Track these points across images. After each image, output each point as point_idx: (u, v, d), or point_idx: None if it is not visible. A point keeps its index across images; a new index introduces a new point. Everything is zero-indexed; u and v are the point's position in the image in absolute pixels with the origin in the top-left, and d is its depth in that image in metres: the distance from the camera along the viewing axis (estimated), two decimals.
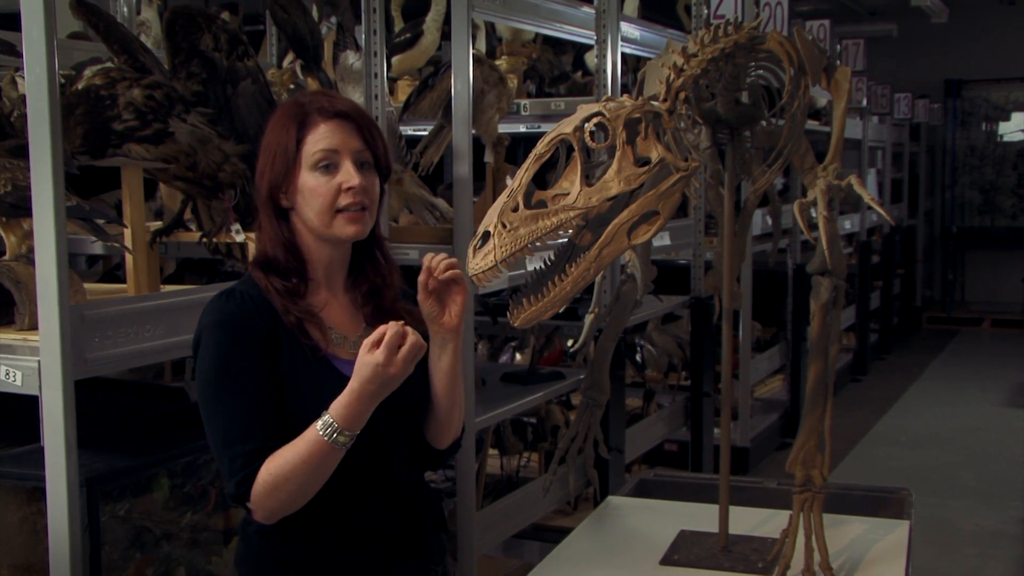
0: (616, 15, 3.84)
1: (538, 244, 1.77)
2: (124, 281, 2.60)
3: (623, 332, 3.61)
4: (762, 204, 4.80)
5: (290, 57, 4.32)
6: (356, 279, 1.87)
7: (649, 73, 2.77)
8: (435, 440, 1.90)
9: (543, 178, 1.89)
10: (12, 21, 2.18)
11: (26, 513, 2.37)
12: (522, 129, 4.43)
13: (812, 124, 6.36)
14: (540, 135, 1.87)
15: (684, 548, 2.56)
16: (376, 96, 3.04)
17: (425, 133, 3.59)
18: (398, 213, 3.42)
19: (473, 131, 3.09)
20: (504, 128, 3.75)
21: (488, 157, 3.56)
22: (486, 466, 3.93)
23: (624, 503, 2.96)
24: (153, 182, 2.91)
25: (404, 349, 1.61)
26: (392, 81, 4.32)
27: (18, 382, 2.03)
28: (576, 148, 1.83)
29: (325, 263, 1.82)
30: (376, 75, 3.05)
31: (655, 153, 1.89)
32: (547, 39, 5.26)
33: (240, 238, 2.50)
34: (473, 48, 3.04)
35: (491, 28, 5.06)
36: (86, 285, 2.34)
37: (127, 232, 2.44)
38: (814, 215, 2.35)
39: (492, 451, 4.04)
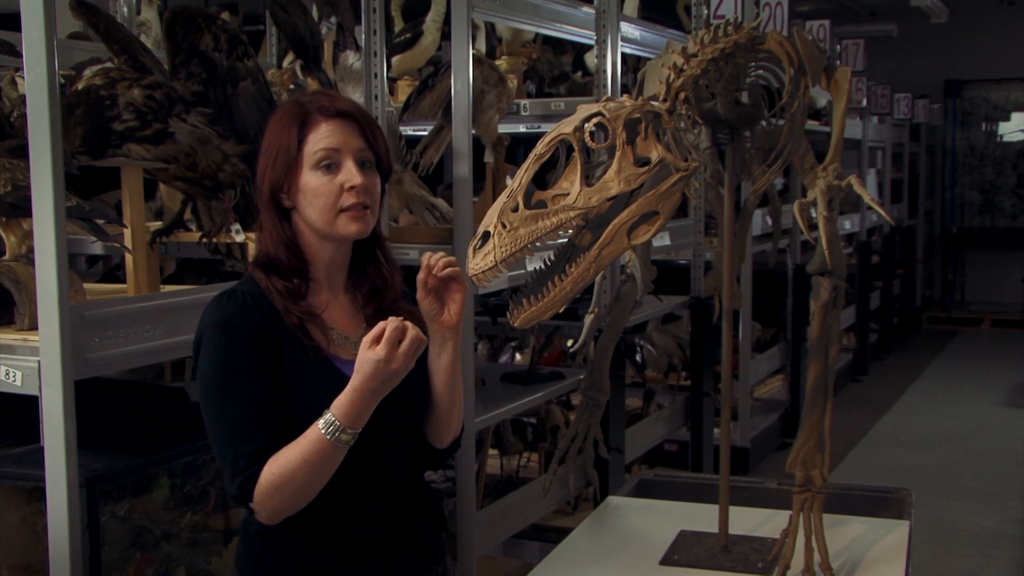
0: (616, 15, 3.84)
1: (538, 244, 1.77)
2: (124, 281, 2.60)
3: (623, 332, 3.61)
4: (762, 204, 4.81)
5: (290, 57, 4.32)
6: (357, 279, 1.87)
7: (649, 73, 2.77)
8: (435, 439, 1.90)
9: (543, 178, 1.90)
10: (12, 21, 2.18)
11: (26, 513, 2.37)
12: (522, 129, 4.43)
13: (812, 124, 6.37)
14: (540, 135, 1.87)
15: (684, 548, 2.56)
16: (376, 96, 3.04)
17: (425, 133, 3.58)
18: (398, 213, 3.42)
19: (473, 131, 3.09)
20: (504, 128, 3.75)
21: (488, 157, 3.56)
22: (486, 466, 3.93)
23: (624, 503, 2.96)
24: (153, 182, 2.91)
25: (405, 344, 1.61)
26: (392, 81, 4.32)
27: (18, 382, 2.03)
28: (576, 148, 1.83)
29: (326, 263, 1.82)
30: (376, 75, 3.05)
31: (655, 153, 1.89)
32: (547, 39, 5.26)
33: (240, 238, 2.50)
34: (473, 48, 3.04)
35: (491, 28, 5.06)
36: (86, 285, 2.34)
37: (127, 232, 2.44)
38: (814, 215, 2.35)
39: (492, 451, 4.04)
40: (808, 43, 2.41)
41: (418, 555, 1.88)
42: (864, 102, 8.59)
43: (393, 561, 1.84)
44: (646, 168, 1.87)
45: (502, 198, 1.78)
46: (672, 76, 2.11)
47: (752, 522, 2.69)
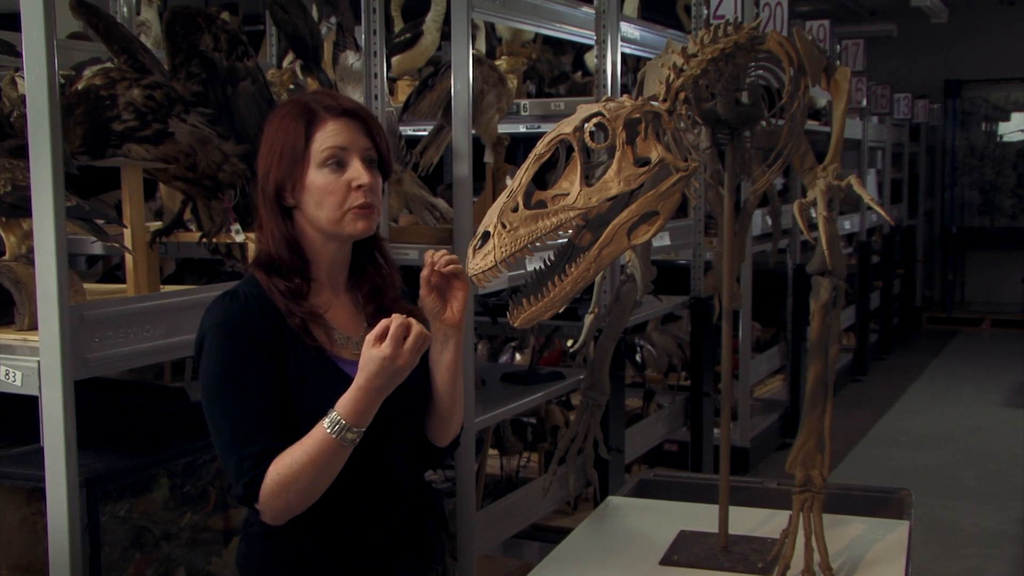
0: (616, 15, 3.84)
1: (538, 244, 1.77)
2: (124, 281, 2.60)
3: (623, 332, 3.61)
4: (762, 204, 4.80)
5: (290, 57, 4.32)
6: (357, 279, 1.87)
7: (649, 73, 2.77)
8: (436, 437, 1.90)
9: (543, 178, 1.89)
10: (12, 21, 2.18)
11: (26, 513, 2.37)
12: (522, 129, 4.44)
13: (812, 124, 6.37)
14: (540, 135, 1.87)
15: (684, 548, 2.56)
16: (376, 96, 3.04)
17: (425, 133, 3.59)
18: (398, 213, 3.42)
19: (473, 131, 3.09)
20: (504, 128, 3.75)
21: (488, 157, 3.56)
22: (486, 466, 3.93)
23: (624, 503, 2.96)
24: (153, 182, 2.91)
25: (410, 340, 1.61)
26: (392, 81, 4.32)
27: (18, 382, 2.03)
28: (576, 148, 1.83)
29: (328, 263, 1.81)
30: (376, 75, 3.05)
31: (655, 153, 1.89)
32: (547, 39, 5.26)
33: (240, 238, 2.50)
34: (473, 48, 3.04)
35: (491, 28, 5.06)
36: (86, 285, 2.34)
37: (127, 232, 2.44)
38: (814, 215, 2.35)
39: (492, 451, 4.04)
40: (808, 43, 2.41)
41: (420, 555, 1.88)
42: (864, 102, 8.59)
43: (395, 561, 1.84)
44: (646, 168, 1.87)
45: (502, 198, 1.78)
46: (672, 76, 2.11)
47: (752, 522, 2.69)
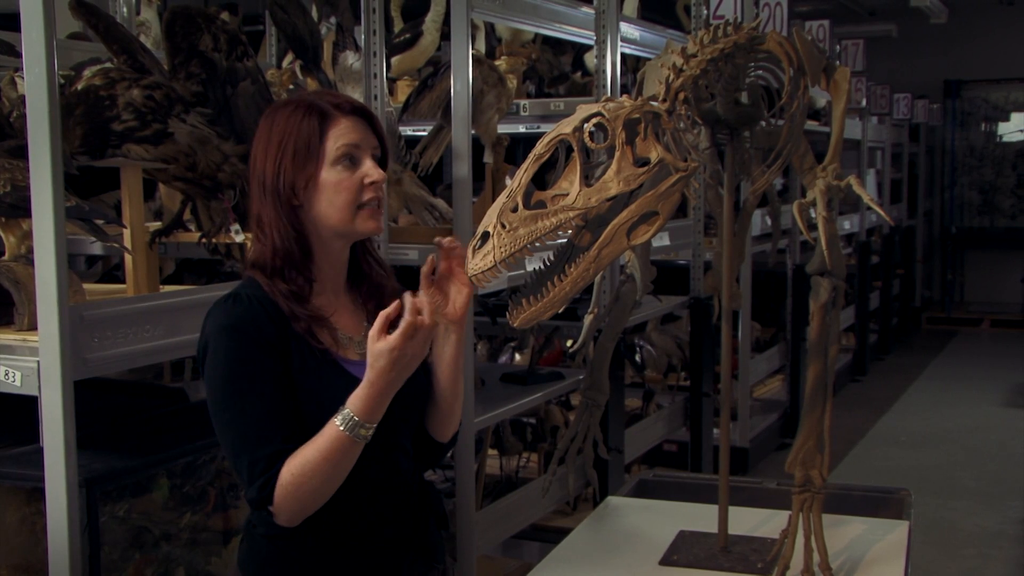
0: (615, 15, 3.84)
1: (537, 244, 1.77)
2: (123, 281, 2.60)
3: (622, 332, 3.61)
4: (761, 204, 4.81)
5: (289, 57, 4.32)
6: (355, 278, 1.87)
7: (648, 73, 2.77)
8: (437, 433, 1.91)
9: (542, 179, 1.89)
10: (12, 21, 2.18)
11: (25, 514, 2.37)
12: (521, 129, 4.44)
13: (811, 124, 6.37)
14: (539, 135, 1.87)
15: (683, 548, 2.56)
16: (375, 96, 3.04)
17: (424, 134, 3.59)
18: (397, 213, 3.42)
19: (472, 131, 3.09)
20: (503, 128, 3.75)
21: (487, 157, 3.56)
22: (485, 466, 3.93)
23: (623, 503, 2.96)
24: (152, 182, 2.91)
25: (414, 329, 1.62)
26: (391, 81, 4.32)
27: (17, 382, 2.03)
28: (575, 148, 1.83)
29: (332, 262, 1.81)
30: (375, 75, 3.05)
31: (654, 153, 1.89)
32: (546, 39, 5.26)
33: (239, 238, 2.50)
34: (472, 48, 3.04)
35: (490, 28, 5.06)
36: (85, 285, 2.34)
37: (126, 233, 2.44)
38: (813, 215, 2.35)
39: (491, 451, 4.05)
40: (807, 43, 2.41)
41: (423, 553, 1.88)
42: (863, 102, 8.60)
43: (399, 560, 1.84)
44: (645, 168, 1.87)
45: (501, 198, 1.78)
46: (671, 76, 2.11)
47: (751, 522, 2.69)
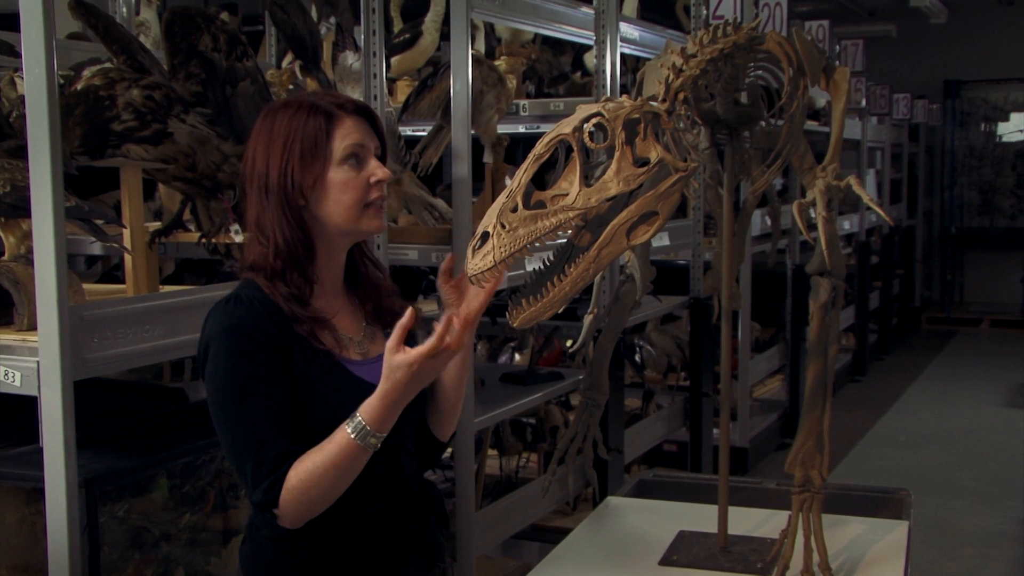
0: (615, 16, 3.84)
1: (537, 245, 1.77)
2: (123, 282, 2.60)
3: (622, 332, 3.61)
4: (761, 204, 4.81)
5: (289, 58, 4.31)
6: (353, 278, 1.87)
7: (648, 74, 2.77)
8: (438, 431, 1.91)
9: (542, 179, 1.89)
10: (11, 21, 2.18)
11: (25, 514, 2.37)
12: (521, 130, 4.44)
13: (811, 125, 6.37)
14: (539, 136, 1.87)
15: (683, 548, 2.56)
16: (375, 97, 3.04)
17: (424, 134, 3.59)
18: (397, 214, 3.42)
19: (472, 132, 3.09)
20: (503, 129, 3.75)
21: (487, 158, 3.56)
22: (485, 467, 3.93)
23: (623, 503, 2.96)
24: (152, 183, 2.91)
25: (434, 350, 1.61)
26: (391, 82, 4.32)
27: (17, 383, 2.03)
28: (575, 149, 1.83)
29: (334, 263, 1.81)
30: (375, 76, 3.05)
31: (654, 154, 1.89)
32: (546, 39, 5.26)
33: (239, 238, 2.50)
34: (472, 49, 3.04)
35: (490, 28, 5.06)
36: (85, 286, 2.34)
37: (126, 233, 2.44)
38: (813, 216, 2.35)
39: (491, 452, 4.04)
40: (807, 43, 2.41)
41: (425, 552, 1.89)
42: (863, 102, 8.60)
43: (402, 560, 1.84)
44: (645, 168, 1.87)
45: (501, 198, 1.78)
46: (671, 76, 2.11)
47: (751, 522, 2.69)
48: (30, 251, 2.14)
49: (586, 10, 3.77)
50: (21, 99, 2.24)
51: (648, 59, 3.84)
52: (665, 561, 2.50)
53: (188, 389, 3.27)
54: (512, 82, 4.20)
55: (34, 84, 1.93)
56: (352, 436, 1.63)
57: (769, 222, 4.29)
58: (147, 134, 2.31)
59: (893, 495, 2.92)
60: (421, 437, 1.91)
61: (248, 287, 1.76)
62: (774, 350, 6.69)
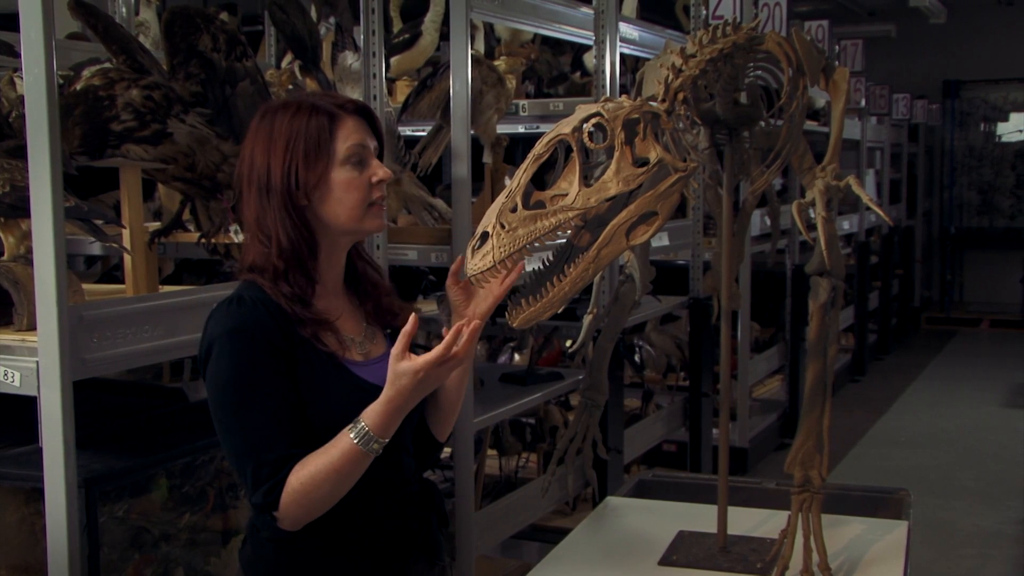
0: (615, 16, 3.84)
1: (536, 245, 1.77)
2: (123, 282, 2.60)
3: (622, 333, 3.61)
4: (761, 205, 4.80)
5: (288, 58, 4.31)
6: (350, 279, 1.87)
7: (647, 74, 2.77)
8: (437, 431, 1.92)
9: (542, 179, 1.90)
10: (11, 21, 2.18)
11: (24, 514, 2.37)
12: (521, 130, 4.43)
13: (811, 125, 6.37)
14: (539, 136, 1.87)
15: (683, 549, 2.56)
16: (375, 97, 3.04)
17: (423, 134, 3.59)
18: (396, 214, 3.42)
19: (472, 132, 3.09)
20: (503, 129, 3.75)
21: (487, 158, 3.56)
22: (484, 467, 3.93)
23: (623, 504, 2.96)
24: (152, 183, 2.91)
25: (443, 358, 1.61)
26: (391, 82, 4.32)
27: (16, 383, 2.03)
28: (574, 149, 1.83)
29: (335, 263, 1.81)
30: (374, 76, 3.05)
31: (653, 154, 1.89)
32: (546, 40, 5.26)
33: (239, 239, 2.50)
34: (472, 49, 3.04)
35: (489, 28, 5.06)
36: (84, 286, 2.34)
37: (125, 233, 2.44)
38: (812, 216, 2.35)
39: (491, 452, 4.04)
40: (806, 43, 2.41)
41: (427, 552, 1.89)
42: (863, 102, 8.60)
43: (405, 559, 1.84)
44: (645, 168, 1.87)
45: (501, 199, 1.78)
46: (671, 76, 2.11)
47: (751, 522, 2.69)
48: (29, 251, 2.14)
49: (585, 10, 3.77)
50: (21, 99, 2.24)
51: (647, 59, 3.84)
52: (664, 561, 2.50)
53: (187, 389, 3.27)
54: (511, 82, 4.20)
55: (33, 84, 1.93)
56: (355, 441, 1.63)
57: (768, 222, 4.29)
58: (146, 134, 2.31)
59: (892, 495, 2.92)
60: (419, 437, 1.91)
61: (250, 288, 1.75)
62: (773, 350, 6.69)
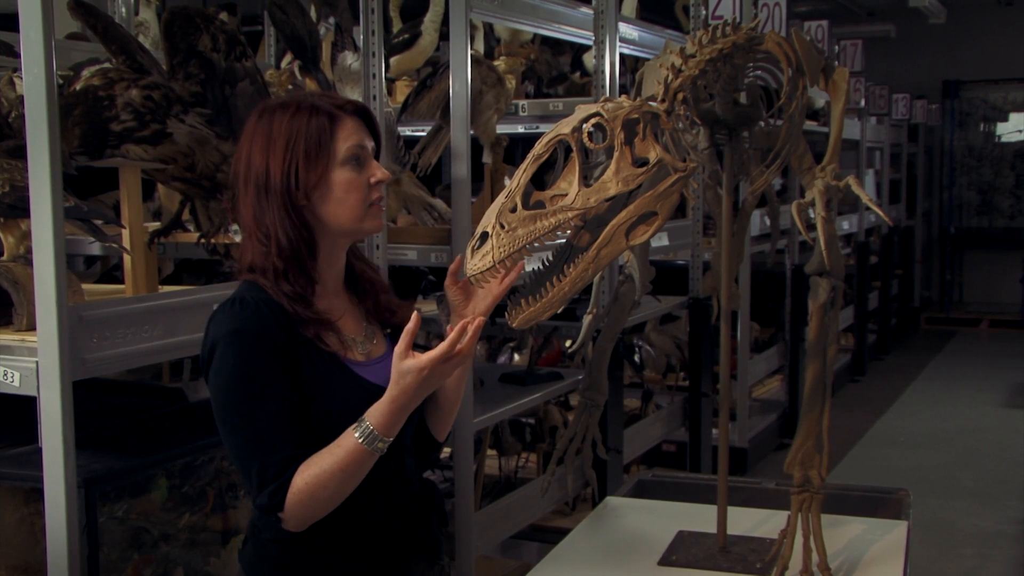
0: (614, 16, 3.84)
1: (536, 245, 1.77)
2: (122, 282, 2.60)
3: (621, 333, 3.61)
4: (760, 205, 4.80)
5: (288, 58, 4.31)
6: (349, 278, 1.87)
7: (647, 74, 2.77)
8: (436, 431, 1.92)
9: (541, 179, 1.90)
10: (10, 22, 2.18)
11: (24, 514, 2.37)
12: (520, 130, 4.43)
13: (810, 125, 6.37)
14: (538, 136, 1.87)
15: (682, 549, 2.56)
16: (374, 97, 3.04)
17: (423, 134, 3.59)
18: (396, 214, 3.42)
19: (471, 132, 3.09)
20: (502, 129, 3.75)
21: (486, 158, 3.56)
22: (484, 467, 3.93)
23: (622, 504, 2.96)
24: (151, 183, 2.91)
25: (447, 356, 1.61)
26: (390, 82, 4.32)
27: (16, 383, 2.03)
28: (574, 149, 1.83)
29: (335, 262, 1.81)
30: (374, 76, 3.05)
31: (653, 154, 1.89)
32: (545, 40, 5.26)
33: (239, 239, 2.50)
34: (471, 49, 3.04)
35: (489, 29, 5.06)
36: (84, 286, 2.34)
37: (125, 233, 2.44)
38: (812, 216, 2.35)
39: (490, 452, 4.04)
40: (806, 44, 2.41)
41: (427, 551, 1.89)
42: (862, 102, 8.60)
43: (406, 559, 1.84)
44: (644, 168, 1.87)
45: (500, 199, 1.78)
46: (670, 77, 2.11)
47: (750, 522, 2.69)
48: (29, 251, 2.14)
49: (585, 10, 3.77)
50: (20, 99, 2.24)
51: (647, 59, 3.84)
52: (664, 561, 2.50)
53: (187, 389, 3.27)
54: (511, 82, 4.20)
55: (33, 84, 1.93)
56: (360, 441, 1.63)
57: (768, 222, 4.29)
58: (146, 134, 2.31)
59: (892, 495, 2.92)
60: (419, 437, 1.91)
61: (251, 289, 1.74)
62: (773, 350, 6.70)
